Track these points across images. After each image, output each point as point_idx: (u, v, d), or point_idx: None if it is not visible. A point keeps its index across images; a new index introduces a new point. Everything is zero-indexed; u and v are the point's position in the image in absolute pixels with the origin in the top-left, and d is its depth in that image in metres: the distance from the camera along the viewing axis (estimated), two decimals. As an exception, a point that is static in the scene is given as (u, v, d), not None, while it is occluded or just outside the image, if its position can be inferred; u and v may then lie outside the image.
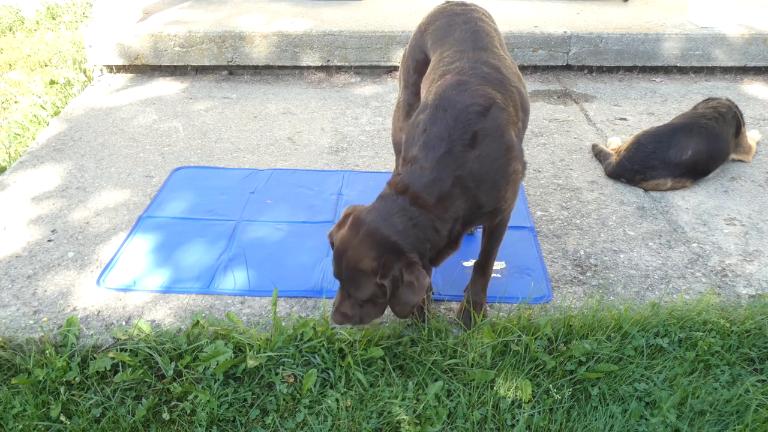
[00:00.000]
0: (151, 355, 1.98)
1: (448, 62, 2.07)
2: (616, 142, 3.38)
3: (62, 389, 1.88)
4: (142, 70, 4.36)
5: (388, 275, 1.78)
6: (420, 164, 1.85)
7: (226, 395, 1.89)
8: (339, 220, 1.94)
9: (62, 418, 1.81)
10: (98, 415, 1.84)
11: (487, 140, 1.86)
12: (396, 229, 1.81)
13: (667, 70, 4.53)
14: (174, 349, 2.01)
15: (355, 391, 1.92)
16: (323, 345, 2.00)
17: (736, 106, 3.24)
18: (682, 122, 3.12)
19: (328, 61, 4.36)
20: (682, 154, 2.96)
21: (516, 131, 1.96)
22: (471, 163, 1.83)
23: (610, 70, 4.53)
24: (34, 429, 1.80)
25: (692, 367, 2.00)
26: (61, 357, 1.95)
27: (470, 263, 2.25)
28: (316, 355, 1.98)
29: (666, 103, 4.05)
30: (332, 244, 1.93)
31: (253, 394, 1.91)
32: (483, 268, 2.18)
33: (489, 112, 1.87)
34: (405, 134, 2.02)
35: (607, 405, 1.88)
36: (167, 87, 4.17)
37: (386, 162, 3.24)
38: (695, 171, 3.02)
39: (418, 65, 2.36)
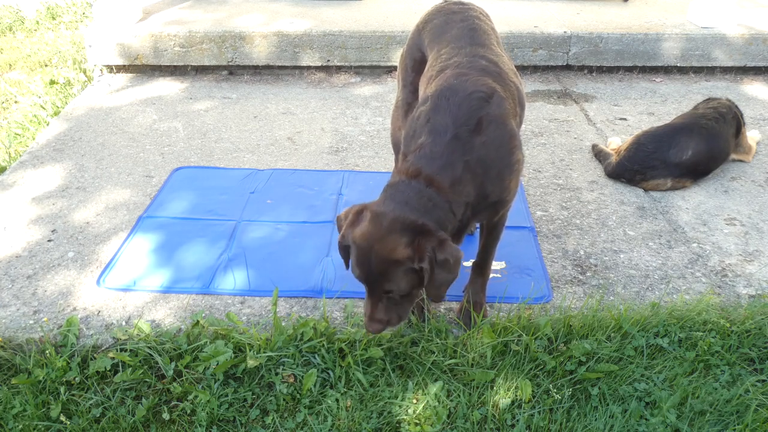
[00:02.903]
0: (151, 355, 1.98)
1: (446, 58, 2.08)
2: (616, 142, 3.38)
3: (62, 389, 1.88)
4: (142, 70, 4.36)
5: (425, 257, 1.71)
6: (429, 149, 1.82)
7: (226, 395, 1.89)
8: (349, 219, 1.83)
9: (62, 418, 1.81)
10: (98, 415, 1.84)
11: (492, 127, 1.86)
12: (420, 211, 1.75)
13: (667, 70, 4.53)
14: (174, 349, 2.01)
15: (355, 391, 1.91)
16: (323, 345, 2.00)
17: (737, 107, 3.24)
18: (682, 122, 3.12)
19: (328, 61, 4.36)
20: (683, 154, 2.96)
21: (516, 124, 1.96)
22: (478, 149, 1.82)
23: (610, 70, 4.53)
24: (34, 429, 1.80)
25: (692, 367, 2.00)
26: (61, 357, 1.95)
27: (469, 263, 2.25)
28: (316, 355, 1.98)
29: (666, 103, 4.05)
30: (344, 247, 1.85)
31: (253, 394, 1.91)
32: (481, 267, 2.18)
33: (492, 99, 1.88)
34: (405, 129, 2.00)
35: (607, 405, 1.88)
36: (167, 87, 4.17)
37: (386, 162, 3.24)
38: (695, 171, 3.02)
39: (415, 64, 2.37)
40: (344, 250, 1.86)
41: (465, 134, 1.82)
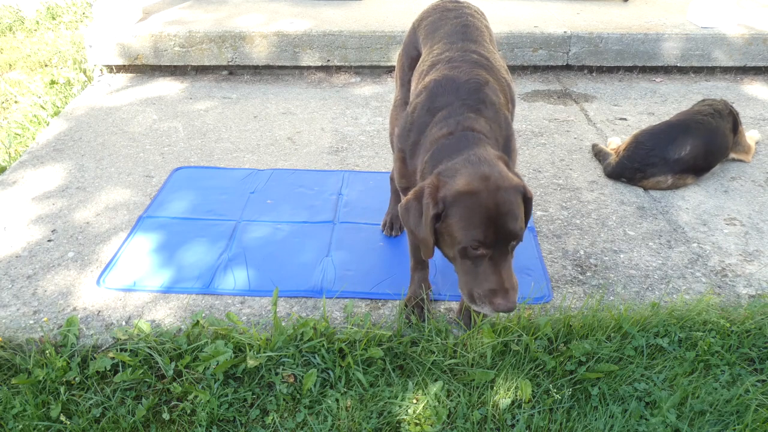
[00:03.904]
0: (151, 355, 1.98)
1: (438, 53, 2.09)
2: (616, 142, 3.38)
3: (62, 389, 1.88)
4: (142, 70, 4.36)
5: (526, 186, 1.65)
6: (448, 113, 1.81)
7: (226, 395, 1.89)
8: (429, 190, 1.63)
9: (62, 418, 1.81)
10: (98, 415, 1.84)
11: (493, 109, 1.88)
12: (492, 147, 1.72)
13: (667, 70, 4.53)
14: (174, 349, 2.01)
15: (355, 391, 1.91)
16: (323, 345, 2.00)
17: (732, 106, 3.25)
18: (678, 119, 3.13)
19: (328, 61, 4.36)
20: (681, 150, 2.97)
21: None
22: (486, 123, 1.84)
23: (610, 70, 4.53)
24: (34, 429, 1.80)
25: (692, 367, 2.00)
26: (61, 357, 1.95)
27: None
28: (316, 355, 1.98)
29: (666, 103, 4.05)
30: (434, 218, 1.63)
31: (253, 394, 1.91)
32: None
33: (488, 86, 1.91)
34: (399, 125, 2.00)
35: (607, 405, 1.88)
36: (167, 87, 4.17)
37: (386, 162, 3.24)
38: (695, 167, 3.02)
39: (412, 62, 2.37)
40: (434, 223, 1.64)
41: (473, 104, 1.84)
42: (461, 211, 1.59)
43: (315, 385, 1.92)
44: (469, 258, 1.64)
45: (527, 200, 1.68)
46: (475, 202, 1.57)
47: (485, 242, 1.59)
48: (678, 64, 4.47)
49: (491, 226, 1.57)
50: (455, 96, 1.85)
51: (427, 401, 1.87)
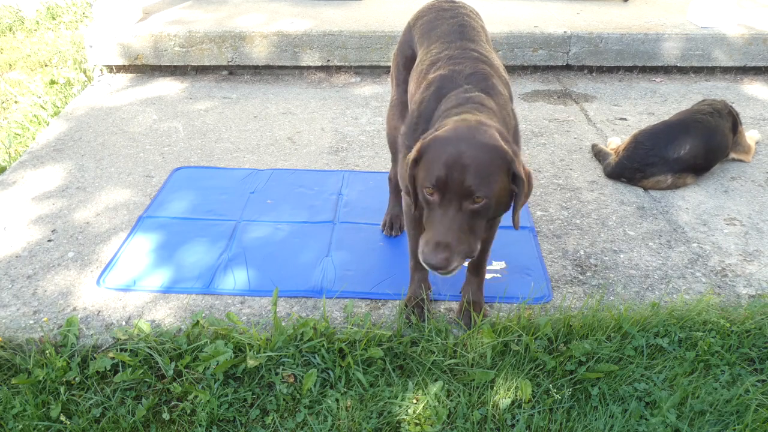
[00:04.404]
0: (151, 355, 1.98)
1: (436, 53, 2.09)
2: (615, 142, 3.38)
3: (62, 389, 1.88)
4: (143, 70, 4.36)
5: (521, 165, 1.59)
6: (458, 95, 1.83)
7: (226, 395, 1.89)
8: (426, 138, 1.66)
9: (62, 418, 1.81)
10: (98, 415, 1.84)
11: (501, 98, 1.90)
12: (496, 126, 1.71)
13: (667, 70, 4.53)
14: (174, 349, 2.01)
15: (355, 391, 1.92)
16: (323, 345, 2.00)
17: (731, 106, 3.25)
18: (678, 119, 3.14)
19: (328, 61, 4.36)
20: (680, 149, 2.97)
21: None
22: (496, 105, 1.84)
23: (610, 70, 4.53)
24: (34, 429, 1.80)
25: (692, 367, 2.00)
26: (61, 357, 1.95)
27: (467, 263, 2.24)
28: (316, 355, 1.98)
29: (666, 103, 4.05)
30: (415, 157, 1.65)
31: (253, 394, 1.91)
32: (477, 267, 2.17)
33: (493, 78, 1.93)
34: (406, 121, 1.99)
35: (607, 405, 1.88)
36: (167, 87, 4.17)
37: (386, 162, 3.24)
38: (695, 166, 3.02)
39: (407, 62, 2.37)
40: (413, 169, 1.66)
41: (483, 88, 1.86)
42: (429, 153, 1.60)
43: (315, 385, 1.92)
44: (427, 204, 1.63)
45: (516, 177, 1.62)
46: (441, 146, 1.58)
47: (437, 185, 1.56)
48: (678, 64, 4.47)
49: (446, 172, 1.55)
50: (464, 82, 1.88)
51: (427, 401, 1.87)
